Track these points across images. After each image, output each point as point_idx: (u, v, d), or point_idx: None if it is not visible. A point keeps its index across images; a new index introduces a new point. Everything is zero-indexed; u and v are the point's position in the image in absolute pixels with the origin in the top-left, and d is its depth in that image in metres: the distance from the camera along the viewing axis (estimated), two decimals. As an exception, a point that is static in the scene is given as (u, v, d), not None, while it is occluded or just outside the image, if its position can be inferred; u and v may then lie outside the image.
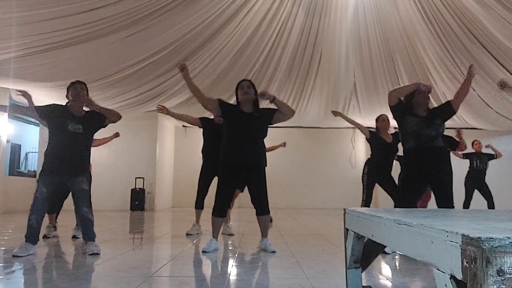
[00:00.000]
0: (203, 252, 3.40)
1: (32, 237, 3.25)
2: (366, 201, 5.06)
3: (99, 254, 3.21)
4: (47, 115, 3.44)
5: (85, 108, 3.57)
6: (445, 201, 3.33)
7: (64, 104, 3.52)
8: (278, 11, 7.08)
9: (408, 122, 3.41)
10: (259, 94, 3.59)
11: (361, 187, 5.19)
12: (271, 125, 3.67)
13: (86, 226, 3.39)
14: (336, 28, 7.60)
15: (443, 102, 3.73)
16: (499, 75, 7.90)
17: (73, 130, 3.39)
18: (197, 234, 4.73)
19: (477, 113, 10.03)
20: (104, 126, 3.67)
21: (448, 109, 3.48)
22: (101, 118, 3.57)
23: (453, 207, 3.39)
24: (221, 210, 3.58)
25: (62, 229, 4.91)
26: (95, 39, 6.28)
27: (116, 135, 5.39)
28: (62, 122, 3.38)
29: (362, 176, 5.19)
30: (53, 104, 3.51)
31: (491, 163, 7.53)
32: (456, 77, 8.30)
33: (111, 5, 5.62)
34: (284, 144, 6.77)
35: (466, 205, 7.42)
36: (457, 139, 5.23)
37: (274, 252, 3.42)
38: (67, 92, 3.52)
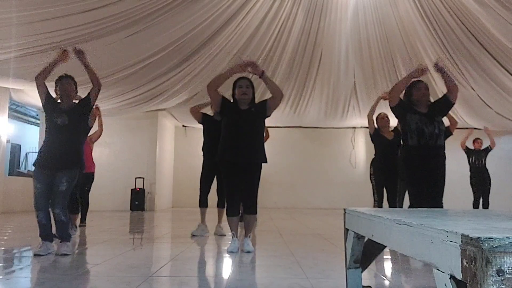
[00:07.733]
0: (229, 252, 3.39)
1: (46, 235, 3.24)
2: (379, 202, 4.96)
3: (69, 255, 3.19)
4: (47, 103, 3.43)
5: (75, 101, 3.54)
6: (435, 200, 3.33)
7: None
8: (278, 12, 7.08)
9: (410, 120, 3.42)
10: (245, 64, 3.48)
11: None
12: (269, 116, 3.64)
13: (59, 227, 3.31)
14: (336, 28, 7.60)
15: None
16: (499, 75, 7.91)
17: (61, 123, 3.36)
18: (203, 235, 4.53)
19: (477, 113, 10.04)
20: (92, 107, 3.60)
21: (446, 102, 3.50)
22: (87, 100, 3.49)
23: (442, 207, 3.40)
24: (233, 209, 3.62)
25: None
26: (95, 39, 6.27)
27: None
28: (53, 115, 3.37)
29: (370, 177, 5.15)
30: (51, 96, 3.50)
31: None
32: (456, 77, 8.30)
33: (111, 5, 5.62)
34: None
35: (476, 204, 7.44)
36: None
37: (249, 252, 3.39)
38: (55, 87, 3.50)
